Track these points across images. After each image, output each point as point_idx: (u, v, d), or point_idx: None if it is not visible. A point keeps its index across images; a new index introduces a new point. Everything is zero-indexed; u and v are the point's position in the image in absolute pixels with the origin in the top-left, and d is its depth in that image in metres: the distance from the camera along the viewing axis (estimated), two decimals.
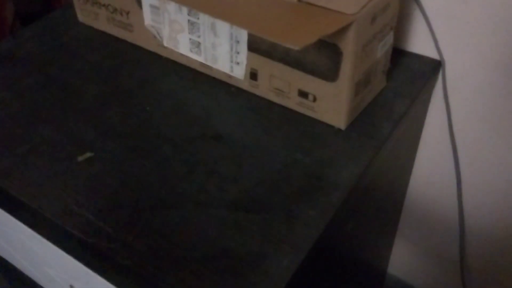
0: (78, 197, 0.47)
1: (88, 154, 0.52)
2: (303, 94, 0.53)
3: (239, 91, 0.59)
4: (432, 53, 0.63)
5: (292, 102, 0.55)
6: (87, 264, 0.47)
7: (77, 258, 0.47)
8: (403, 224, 0.85)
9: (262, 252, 0.42)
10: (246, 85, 0.58)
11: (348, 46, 0.46)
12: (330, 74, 0.50)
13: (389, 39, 0.54)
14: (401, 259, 0.91)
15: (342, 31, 0.45)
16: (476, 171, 0.70)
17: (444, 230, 0.80)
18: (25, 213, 0.48)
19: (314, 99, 0.53)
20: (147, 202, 0.47)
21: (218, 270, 0.41)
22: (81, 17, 0.70)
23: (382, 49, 0.53)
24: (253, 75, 0.56)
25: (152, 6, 0.60)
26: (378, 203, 0.64)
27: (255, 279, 0.41)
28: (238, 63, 0.57)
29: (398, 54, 0.63)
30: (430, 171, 0.74)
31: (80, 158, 0.51)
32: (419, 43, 0.63)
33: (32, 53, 0.66)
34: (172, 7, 0.58)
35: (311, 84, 0.52)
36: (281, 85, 0.55)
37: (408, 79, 0.60)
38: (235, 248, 0.43)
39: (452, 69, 0.63)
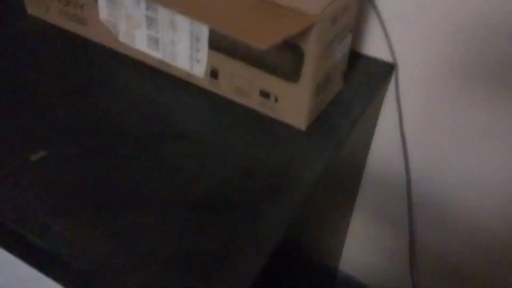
0: (32, 199, 0.45)
1: (42, 153, 0.49)
2: (264, 94, 0.54)
3: (200, 90, 0.58)
4: (386, 57, 0.65)
5: (254, 102, 0.55)
6: (44, 271, 0.45)
7: (32, 264, 0.45)
8: (354, 221, 0.88)
9: (227, 252, 0.42)
10: (207, 84, 0.58)
11: (310, 47, 0.47)
12: (292, 75, 0.50)
13: (347, 42, 0.55)
14: (352, 256, 0.94)
15: (305, 32, 0.46)
16: (424, 168, 0.73)
17: (394, 227, 0.84)
18: None
19: (276, 100, 0.53)
20: (107, 203, 0.45)
21: (183, 272, 0.41)
22: (30, 9, 0.66)
23: (341, 51, 0.55)
24: (213, 74, 0.56)
25: (108, 0, 0.58)
26: (334, 200, 0.66)
27: (220, 279, 0.40)
28: (198, 61, 0.56)
29: (355, 56, 0.65)
30: (382, 168, 0.77)
31: (33, 157, 0.49)
32: (375, 47, 0.65)
33: None
34: (129, 1, 0.56)
35: (273, 84, 0.52)
36: (243, 85, 0.55)
37: (364, 81, 0.62)
38: (199, 249, 0.42)
39: (404, 72, 0.66)
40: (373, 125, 0.72)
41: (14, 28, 0.65)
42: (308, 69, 0.49)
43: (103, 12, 0.59)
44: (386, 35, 0.63)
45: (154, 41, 0.57)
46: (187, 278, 0.40)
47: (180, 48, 0.56)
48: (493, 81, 0.60)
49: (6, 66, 0.59)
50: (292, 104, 0.53)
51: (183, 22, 0.53)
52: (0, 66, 0.59)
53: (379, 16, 0.62)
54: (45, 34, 0.64)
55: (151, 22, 0.56)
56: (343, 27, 0.52)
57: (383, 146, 0.75)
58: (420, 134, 0.70)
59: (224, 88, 0.57)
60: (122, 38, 0.60)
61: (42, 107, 0.54)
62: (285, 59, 0.49)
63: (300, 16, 0.45)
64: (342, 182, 0.66)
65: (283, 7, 0.46)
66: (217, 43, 0.53)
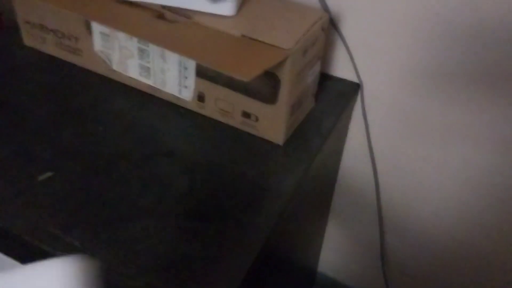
0: (43, 214, 0.51)
1: (48, 174, 0.55)
2: (246, 114, 0.61)
3: (187, 112, 0.65)
4: (352, 77, 0.73)
5: (236, 122, 0.62)
6: None
7: None
8: (330, 225, 0.95)
9: (218, 255, 0.49)
10: (194, 106, 0.64)
11: (285, 75, 0.54)
12: (270, 98, 0.57)
13: (317, 67, 0.63)
14: (329, 258, 1.01)
15: (280, 62, 0.53)
16: (391, 177, 0.81)
17: (366, 230, 0.91)
18: None
19: (256, 119, 0.60)
20: (109, 216, 0.51)
21: (181, 273, 0.47)
22: (27, 41, 0.72)
23: (312, 76, 0.62)
24: (200, 98, 0.63)
25: (102, 33, 0.64)
26: (311, 207, 0.73)
27: (214, 279, 0.47)
28: (186, 87, 0.63)
29: (324, 78, 0.73)
30: (352, 178, 0.85)
31: (40, 178, 0.54)
32: (342, 69, 0.73)
33: None
34: (122, 34, 0.63)
35: (253, 106, 0.59)
36: (226, 107, 0.61)
37: (333, 99, 0.70)
38: (193, 254, 0.49)
39: (368, 91, 0.74)
40: (343, 139, 0.80)
41: (13, 59, 0.70)
42: (284, 93, 0.56)
43: (97, 44, 0.65)
44: (352, 59, 0.71)
45: (146, 70, 0.64)
46: (186, 278, 0.47)
47: (170, 75, 0.63)
48: (449, 93, 0.69)
49: (8, 95, 0.65)
50: (270, 123, 0.60)
51: (172, 53, 0.60)
52: (3, 95, 0.64)
53: (345, 44, 0.70)
54: (42, 64, 0.70)
55: (142, 53, 0.62)
56: (313, 56, 0.59)
57: (353, 157, 0.82)
58: (386, 145, 0.78)
59: (210, 110, 0.63)
60: (115, 67, 0.66)
61: (44, 132, 0.60)
62: (264, 85, 0.57)
63: (276, 50, 0.52)
64: (317, 191, 0.74)
65: (261, 43, 0.54)
66: (203, 71, 0.60)
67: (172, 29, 0.56)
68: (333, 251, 0.99)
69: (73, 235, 0.49)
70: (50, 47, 0.70)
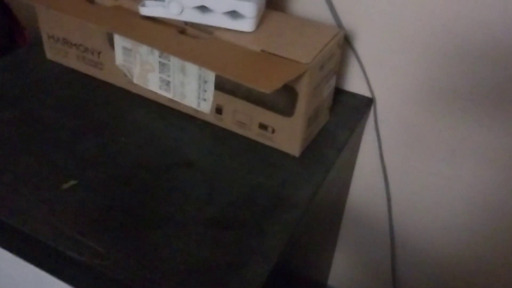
0: (67, 221, 0.52)
1: (72, 182, 0.57)
2: (263, 126, 0.62)
3: (205, 123, 0.67)
4: (365, 92, 0.75)
5: (253, 133, 0.64)
6: (80, 285, 0.51)
7: (68, 280, 0.52)
8: (341, 238, 0.96)
9: (238, 262, 0.50)
10: (212, 118, 0.66)
11: (303, 88, 0.56)
12: (287, 110, 0.59)
13: (333, 82, 0.65)
14: (339, 271, 1.01)
15: (299, 76, 0.55)
16: (403, 191, 0.82)
17: (377, 244, 0.92)
18: (16, 239, 0.52)
19: (273, 131, 0.62)
20: (132, 223, 0.53)
21: (202, 280, 0.48)
22: (49, 55, 0.75)
23: (327, 90, 0.64)
24: (218, 110, 0.65)
25: (124, 48, 0.66)
26: (324, 218, 0.74)
27: (234, 285, 0.48)
28: (205, 100, 0.65)
29: (339, 92, 0.75)
30: (364, 191, 0.86)
31: (64, 186, 0.56)
32: (355, 84, 0.75)
33: (2, 89, 0.69)
34: (144, 49, 0.65)
35: (270, 118, 0.61)
36: (244, 119, 0.63)
37: (347, 113, 0.72)
38: (214, 260, 0.50)
39: (381, 105, 0.75)
40: (356, 152, 0.81)
41: (37, 73, 0.73)
42: (301, 106, 0.58)
43: (119, 58, 0.68)
44: (365, 74, 0.73)
45: (166, 83, 0.66)
46: (207, 284, 0.48)
47: (189, 89, 0.65)
48: (461, 109, 0.70)
49: (32, 107, 0.67)
50: (287, 135, 0.61)
51: (192, 67, 0.62)
52: (26, 108, 0.67)
53: (358, 59, 0.72)
54: (64, 77, 0.72)
55: (163, 67, 0.65)
56: (329, 71, 0.61)
57: (365, 171, 0.84)
58: (398, 159, 0.79)
59: (227, 122, 0.65)
60: (136, 80, 0.68)
61: (68, 143, 0.62)
62: (282, 98, 0.58)
63: (294, 64, 0.54)
64: (331, 204, 0.75)
65: (280, 57, 0.56)
66: (222, 85, 0.62)
67: (193, 44, 0.58)
68: (344, 265, 0.99)
69: (96, 242, 0.51)
70: (72, 61, 0.73)
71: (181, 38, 0.59)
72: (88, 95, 0.70)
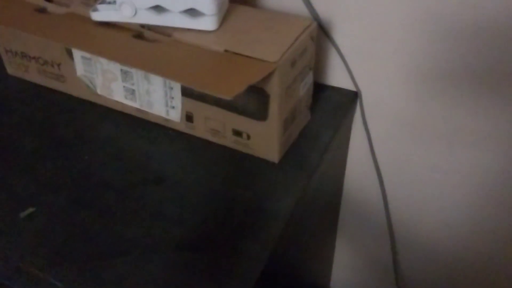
0: (24, 254, 0.48)
1: (30, 209, 0.52)
2: (237, 133, 0.57)
3: (177, 133, 0.62)
4: (349, 85, 0.70)
5: (228, 141, 0.59)
6: None
7: None
8: (339, 242, 0.91)
9: None
10: (183, 127, 0.61)
11: (274, 89, 0.51)
12: (260, 114, 0.54)
13: (309, 79, 0.59)
14: (341, 275, 0.96)
15: (267, 76, 0.50)
16: (399, 188, 0.77)
17: (377, 245, 0.87)
18: None
19: (248, 137, 0.57)
20: (95, 252, 0.48)
21: None
22: (10, 70, 0.70)
23: (304, 88, 0.59)
24: (189, 118, 0.60)
25: (83, 57, 0.61)
26: (314, 227, 0.69)
27: None
28: (173, 107, 0.60)
29: (319, 88, 0.69)
30: (358, 191, 0.81)
31: (22, 214, 0.51)
32: (337, 77, 0.70)
33: None
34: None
35: (244, 124, 0.56)
36: (216, 126, 0.58)
37: (330, 110, 0.66)
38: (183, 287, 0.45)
39: (367, 98, 0.70)
40: (345, 151, 0.76)
41: None
42: (274, 108, 0.53)
43: (80, 68, 0.63)
44: (347, 66, 0.68)
45: (131, 92, 0.61)
46: None
47: (156, 96, 0.59)
48: (453, 96, 0.65)
49: None
50: (263, 140, 0.56)
51: None
52: None
53: (338, 51, 0.67)
54: (26, 92, 0.67)
55: (126, 75, 0.59)
56: (303, 67, 0.56)
57: (357, 170, 0.78)
58: (390, 155, 0.74)
59: (200, 130, 0.60)
60: (100, 91, 0.63)
61: (27, 164, 0.57)
62: (253, 101, 0.53)
63: (261, 64, 0.49)
64: (321, 208, 0.69)
65: (245, 57, 0.50)
66: (189, 90, 0.57)
67: (152, 49, 0.53)
68: (345, 267, 0.94)
69: (56, 276, 0.46)
70: (33, 75, 0.68)
71: (136, 44, 0.53)
72: (51, 111, 0.65)
